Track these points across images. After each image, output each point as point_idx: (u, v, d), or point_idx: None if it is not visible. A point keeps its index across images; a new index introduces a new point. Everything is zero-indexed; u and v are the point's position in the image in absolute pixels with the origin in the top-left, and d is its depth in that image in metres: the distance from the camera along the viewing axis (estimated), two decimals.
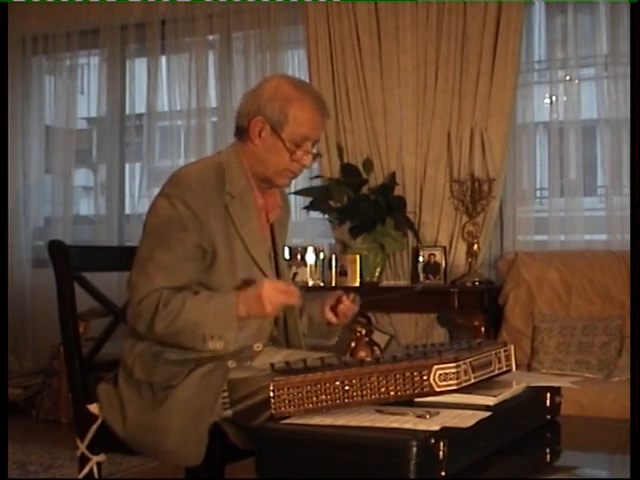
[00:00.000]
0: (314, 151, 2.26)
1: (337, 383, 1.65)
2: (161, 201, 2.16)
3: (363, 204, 4.28)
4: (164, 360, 2.15)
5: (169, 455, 2.14)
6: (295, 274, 4.30)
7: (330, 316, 2.31)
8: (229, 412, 2.10)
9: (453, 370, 1.63)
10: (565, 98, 4.39)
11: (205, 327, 2.07)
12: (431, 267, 4.30)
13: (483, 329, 4.06)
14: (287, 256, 4.01)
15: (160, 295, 2.08)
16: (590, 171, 4.60)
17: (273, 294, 2.07)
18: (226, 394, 2.10)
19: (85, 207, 5.95)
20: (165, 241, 2.12)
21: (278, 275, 2.33)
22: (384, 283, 4.39)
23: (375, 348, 4.35)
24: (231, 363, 2.13)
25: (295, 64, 4.98)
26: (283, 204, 2.42)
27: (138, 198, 5.36)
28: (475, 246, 4.25)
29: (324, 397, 1.64)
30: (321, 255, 4.40)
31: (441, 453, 1.48)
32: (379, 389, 1.64)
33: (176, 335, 2.09)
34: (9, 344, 4.73)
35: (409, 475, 1.43)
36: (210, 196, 2.16)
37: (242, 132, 2.24)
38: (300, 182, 4.27)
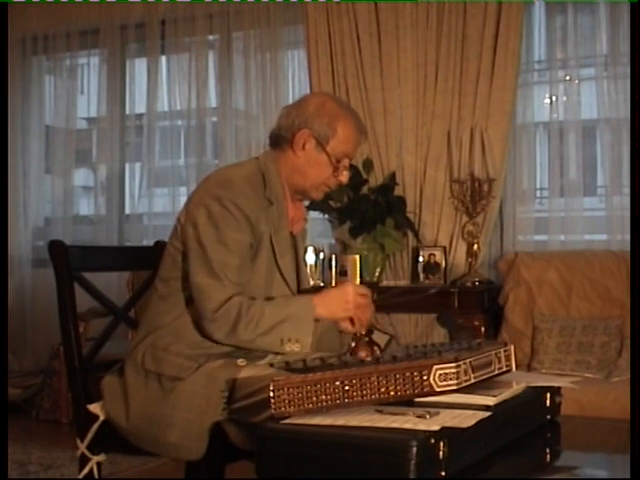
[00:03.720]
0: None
1: (337, 383, 1.65)
2: (213, 203, 2.16)
3: (363, 204, 4.28)
4: (175, 352, 2.16)
5: (170, 448, 2.15)
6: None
7: (345, 325, 2.30)
8: (227, 411, 2.10)
9: (453, 370, 1.63)
10: (565, 98, 4.39)
11: (284, 330, 2.11)
12: (431, 267, 4.30)
13: (483, 329, 4.06)
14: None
15: (240, 303, 2.10)
16: (590, 171, 4.60)
17: (357, 299, 2.17)
18: (226, 393, 2.11)
19: (85, 207, 5.95)
20: (226, 243, 2.13)
21: (299, 286, 2.36)
22: (384, 283, 4.40)
23: (375, 348, 4.34)
24: (241, 361, 2.14)
25: (295, 64, 4.98)
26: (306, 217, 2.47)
27: (138, 198, 5.36)
28: (475, 246, 4.25)
29: (324, 397, 1.64)
30: (321, 255, 4.40)
31: (441, 453, 1.48)
32: (379, 389, 1.64)
33: (257, 341, 2.12)
34: (9, 344, 4.73)
35: (409, 475, 1.43)
36: (259, 199, 2.20)
37: (282, 143, 2.27)
38: None
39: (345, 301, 2.17)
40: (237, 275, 2.13)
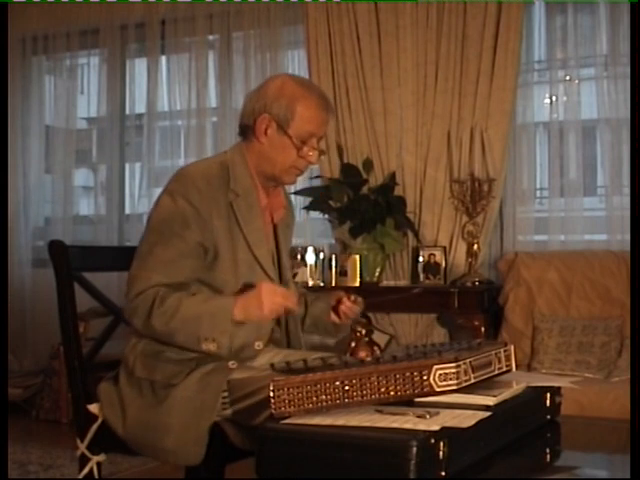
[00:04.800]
0: (319, 148, 2.27)
1: (337, 383, 1.65)
2: (164, 197, 2.17)
3: (363, 204, 4.28)
4: (165, 359, 2.15)
5: (168, 454, 2.14)
6: (295, 274, 4.30)
7: (333, 317, 2.35)
8: (229, 411, 2.10)
9: (453, 370, 1.63)
10: (565, 98, 4.39)
11: (200, 328, 2.07)
12: (431, 267, 4.30)
13: (483, 329, 4.06)
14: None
15: (157, 292, 2.09)
16: (590, 171, 4.60)
17: (272, 297, 2.07)
18: (226, 394, 2.10)
19: (85, 207, 5.95)
20: (166, 237, 2.12)
21: (281, 275, 2.34)
22: (384, 283, 4.40)
23: (375, 348, 4.35)
24: (232, 364, 2.13)
25: (295, 64, 4.98)
26: (288, 205, 2.43)
27: (138, 198, 5.37)
28: (475, 246, 4.25)
29: (324, 397, 1.64)
30: (321, 255, 4.41)
31: (441, 453, 1.48)
32: (379, 389, 1.64)
33: (172, 334, 2.10)
34: (9, 344, 4.73)
35: (409, 475, 1.43)
36: (214, 193, 2.17)
37: (247, 131, 2.25)
38: (300, 182, 4.26)
39: (258, 301, 2.06)
40: (172, 270, 2.11)
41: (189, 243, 2.13)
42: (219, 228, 2.16)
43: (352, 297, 2.32)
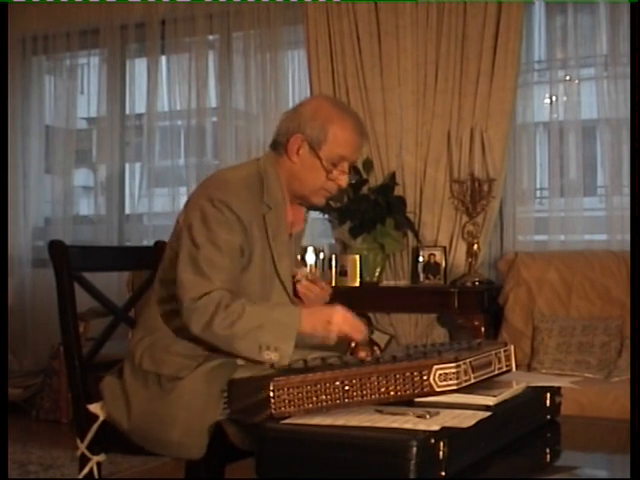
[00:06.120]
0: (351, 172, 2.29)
1: (337, 383, 1.65)
2: (206, 204, 2.15)
3: (363, 204, 4.28)
4: (174, 352, 2.16)
5: (173, 447, 2.14)
6: (295, 275, 4.30)
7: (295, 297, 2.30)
8: (228, 410, 2.10)
9: (453, 370, 1.63)
10: (565, 98, 4.39)
11: (263, 336, 2.04)
12: (431, 267, 4.30)
13: (483, 329, 4.06)
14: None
15: (222, 296, 2.06)
16: (590, 171, 4.60)
17: (343, 323, 2.10)
18: (225, 393, 2.10)
19: (85, 207, 5.95)
20: (215, 242, 2.11)
21: (295, 287, 2.34)
22: (384, 283, 4.40)
23: (375, 348, 4.34)
24: (240, 360, 2.13)
25: (295, 64, 4.98)
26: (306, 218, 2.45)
27: (138, 198, 5.37)
28: (475, 246, 4.25)
29: (324, 397, 1.64)
30: (321, 255, 4.40)
31: (441, 453, 1.48)
32: (379, 389, 1.64)
33: (233, 340, 2.06)
34: (9, 344, 4.73)
35: (409, 475, 1.43)
36: (254, 203, 2.18)
37: (279, 148, 2.26)
38: None
39: (328, 322, 2.10)
40: (225, 275, 2.11)
41: (236, 249, 2.13)
42: (257, 238, 2.17)
43: (311, 277, 2.32)
